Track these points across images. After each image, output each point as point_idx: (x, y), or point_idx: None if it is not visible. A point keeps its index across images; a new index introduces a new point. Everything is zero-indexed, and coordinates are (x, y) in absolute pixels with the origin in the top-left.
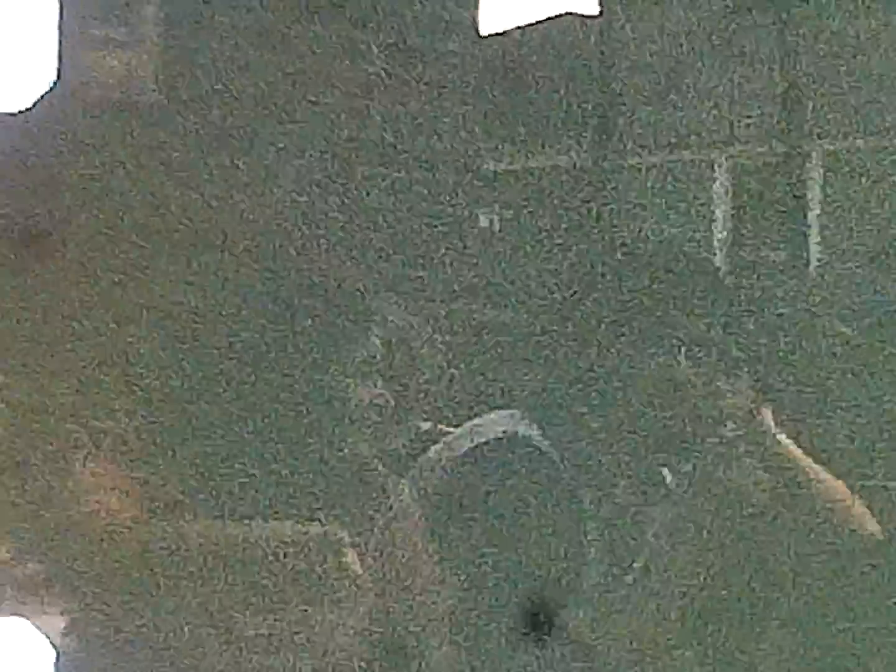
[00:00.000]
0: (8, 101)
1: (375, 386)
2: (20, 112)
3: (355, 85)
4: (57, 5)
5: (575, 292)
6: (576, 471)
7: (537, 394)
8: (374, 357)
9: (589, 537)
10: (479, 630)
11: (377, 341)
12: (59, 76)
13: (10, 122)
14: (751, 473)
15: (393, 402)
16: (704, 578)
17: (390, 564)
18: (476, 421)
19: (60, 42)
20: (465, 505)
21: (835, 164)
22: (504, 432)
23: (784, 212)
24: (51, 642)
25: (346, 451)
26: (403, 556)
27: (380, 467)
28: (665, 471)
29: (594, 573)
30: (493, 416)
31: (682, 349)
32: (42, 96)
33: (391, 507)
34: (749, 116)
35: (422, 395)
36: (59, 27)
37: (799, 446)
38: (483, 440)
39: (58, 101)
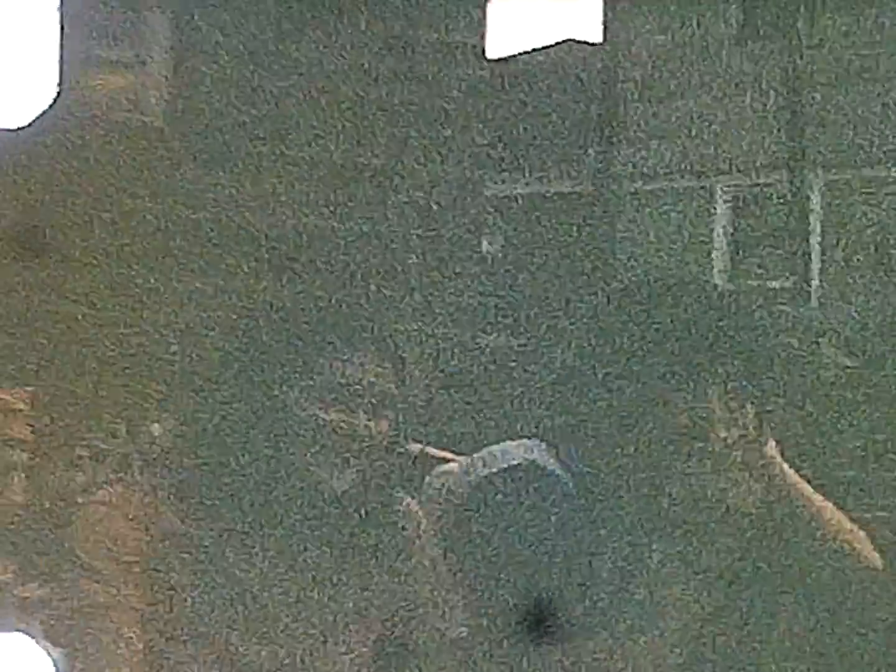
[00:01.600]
0: (7, 118)
1: (350, 410)
2: (19, 129)
3: (360, 108)
4: (58, 24)
5: (580, 322)
6: (592, 499)
7: (543, 422)
8: (351, 380)
9: (603, 565)
10: (485, 656)
11: (358, 364)
12: (59, 95)
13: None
14: (741, 482)
15: (373, 426)
16: (706, 608)
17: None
18: (492, 448)
19: (64, 62)
20: (480, 531)
21: (837, 193)
22: (521, 460)
23: (786, 241)
24: (52, 658)
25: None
26: (416, 581)
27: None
28: (664, 501)
29: (608, 602)
30: (509, 443)
31: (703, 385)
32: (41, 114)
33: (403, 529)
34: (751, 144)
35: (408, 418)
36: (64, 47)
37: (801, 476)
38: (501, 467)
39: (60, 120)
